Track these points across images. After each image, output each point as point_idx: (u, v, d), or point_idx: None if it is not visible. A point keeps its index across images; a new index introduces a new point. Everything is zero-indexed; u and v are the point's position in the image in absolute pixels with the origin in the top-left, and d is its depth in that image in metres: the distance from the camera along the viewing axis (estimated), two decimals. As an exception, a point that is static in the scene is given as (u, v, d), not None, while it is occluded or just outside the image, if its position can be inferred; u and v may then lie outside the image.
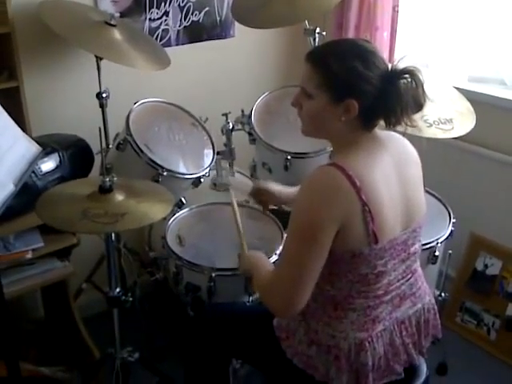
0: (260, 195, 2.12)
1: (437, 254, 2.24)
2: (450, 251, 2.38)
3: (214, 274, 2.04)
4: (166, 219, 2.22)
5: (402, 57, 1.56)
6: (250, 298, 2.08)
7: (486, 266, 2.80)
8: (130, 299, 2.09)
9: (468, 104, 2.45)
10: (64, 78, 2.56)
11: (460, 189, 2.82)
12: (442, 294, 2.48)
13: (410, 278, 1.67)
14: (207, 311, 2.03)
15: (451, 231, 2.31)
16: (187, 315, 2.15)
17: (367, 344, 1.58)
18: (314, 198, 1.48)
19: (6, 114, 1.73)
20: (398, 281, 1.63)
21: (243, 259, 1.88)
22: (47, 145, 2.16)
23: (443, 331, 1.80)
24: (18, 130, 1.77)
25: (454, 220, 2.35)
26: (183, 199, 2.46)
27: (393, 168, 1.57)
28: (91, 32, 2.26)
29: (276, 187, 2.09)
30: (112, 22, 2.30)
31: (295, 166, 2.43)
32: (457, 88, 2.54)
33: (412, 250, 1.64)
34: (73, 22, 2.27)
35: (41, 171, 2.14)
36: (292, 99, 1.62)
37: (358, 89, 1.49)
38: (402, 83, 1.50)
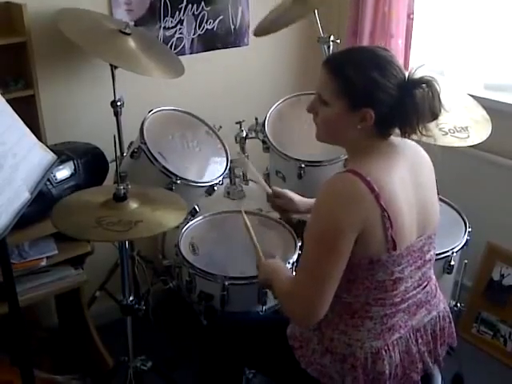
0: (277, 200, 2.10)
1: (452, 263, 2.21)
2: (466, 261, 2.35)
3: (227, 283, 2.03)
4: (179, 227, 2.22)
5: (419, 66, 1.56)
6: (263, 308, 2.07)
7: (502, 276, 2.76)
8: (144, 307, 2.09)
9: (484, 112, 2.43)
10: (79, 87, 2.57)
11: (476, 198, 2.80)
12: (458, 305, 2.45)
13: (426, 285, 1.66)
14: (220, 320, 2.02)
15: (467, 240, 2.28)
16: (200, 324, 2.14)
17: (384, 352, 1.57)
18: (332, 205, 1.47)
19: (21, 122, 1.74)
20: (415, 288, 1.62)
21: (261, 268, 1.87)
22: (62, 153, 2.17)
23: (459, 342, 1.78)
24: (34, 138, 1.78)
25: (470, 229, 2.32)
26: (197, 207, 2.46)
27: (408, 173, 1.57)
28: (106, 41, 2.28)
29: (294, 194, 2.08)
30: (127, 31, 2.32)
31: (309, 175, 2.42)
32: (472, 96, 2.52)
33: (427, 256, 1.63)
34: (88, 31, 2.29)
35: (56, 179, 2.15)
36: (308, 105, 1.61)
37: (375, 98, 1.49)
38: (418, 93, 1.49)
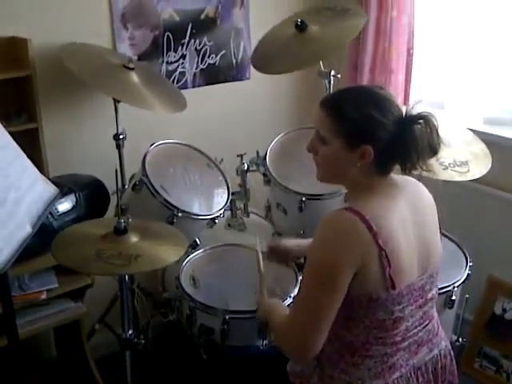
0: (277, 256, 2.09)
1: (453, 298, 2.20)
2: (467, 295, 2.34)
3: (227, 317, 2.02)
4: (180, 260, 2.22)
5: (416, 102, 1.57)
6: (264, 342, 2.06)
7: (504, 310, 2.75)
8: (143, 341, 2.08)
9: (483, 146, 2.45)
10: (82, 120, 2.60)
11: (476, 231, 2.79)
12: (460, 339, 2.43)
13: (428, 324, 1.65)
14: (220, 354, 2.01)
15: (468, 275, 2.27)
16: (200, 358, 2.12)
17: (384, 391, 1.55)
18: (330, 243, 1.47)
19: (24, 155, 1.76)
20: (416, 327, 1.60)
21: (261, 305, 1.85)
22: (64, 185, 2.18)
23: (461, 377, 1.76)
24: (36, 171, 1.79)
25: (471, 263, 2.32)
26: (198, 240, 2.46)
27: (409, 212, 1.56)
28: (109, 75, 2.31)
29: (292, 242, 2.07)
30: (130, 66, 2.35)
31: (310, 208, 2.42)
32: (472, 130, 2.54)
33: (429, 295, 1.62)
34: (92, 66, 2.32)
35: (57, 211, 2.16)
36: (307, 145, 1.62)
37: (373, 136, 1.49)
38: (416, 128, 1.50)
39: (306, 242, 2.02)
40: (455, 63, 2.86)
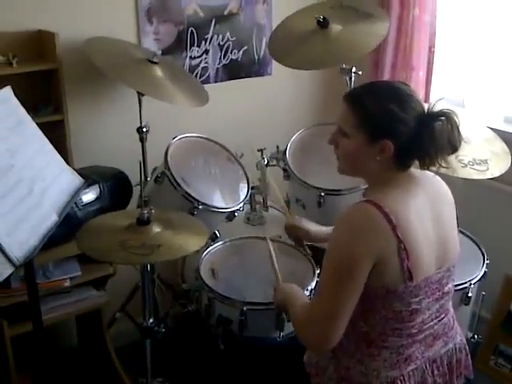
0: (294, 231, 2.14)
1: (470, 295, 2.21)
2: (484, 293, 2.35)
3: (245, 308, 2.05)
4: (199, 252, 2.26)
5: (438, 99, 1.59)
6: (281, 334, 2.09)
7: (521, 309, 2.74)
8: (163, 330, 2.12)
9: (503, 145, 2.45)
10: (106, 113, 2.65)
11: (494, 230, 2.79)
12: (475, 336, 2.44)
13: (444, 317, 1.67)
14: (238, 345, 2.04)
15: (485, 272, 2.28)
16: (218, 348, 2.16)
17: (399, 382, 1.57)
18: (350, 235, 1.50)
19: (51, 146, 1.80)
20: (432, 320, 1.62)
21: (277, 291, 1.88)
22: (88, 177, 2.22)
23: (477, 374, 1.78)
24: (62, 162, 1.84)
25: (488, 261, 2.33)
26: (217, 232, 2.50)
27: (428, 206, 1.58)
28: (134, 69, 2.35)
29: (310, 225, 2.11)
30: (154, 60, 2.39)
31: (329, 203, 2.44)
32: (492, 129, 2.54)
33: (446, 289, 1.64)
34: (117, 59, 2.36)
35: (81, 202, 2.20)
36: (329, 137, 1.65)
37: (393, 130, 1.52)
38: (437, 125, 1.52)
39: (324, 229, 2.06)
40: (476, 62, 2.85)
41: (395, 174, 1.58)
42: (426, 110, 1.55)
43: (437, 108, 1.55)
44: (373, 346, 1.58)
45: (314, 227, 2.12)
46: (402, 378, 1.58)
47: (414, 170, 1.62)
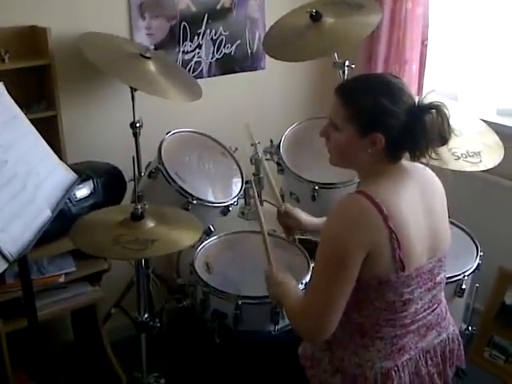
0: (287, 219, 2.13)
1: (464, 287, 2.22)
2: (477, 285, 2.36)
3: (240, 302, 2.06)
4: (194, 246, 2.26)
5: (428, 92, 1.59)
6: (276, 327, 2.09)
7: (514, 301, 2.76)
8: (158, 325, 2.12)
9: (496, 137, 2.45)
10: (99, 108, 2.64)
11: (488, 222, 2.81)
12: (470, 328, 2.45)
13: (436, 308, 1.68)
14: (233, 339, 2.05)
15: (478, 264, 2.29)
16: (213, 342, 2.16)
17: (393, 373, 1.58)
18: (342, 226, 1.51)
19: (44, 142, 1.80)
20: (425, 310, 1.64)
21: (270, 280, 1.85)
22: (82, 172, 2.22)
23: (470, 366, 1.79)
24: (56, 157, 1.84)
25: (482, 253, 2.34)
26: (212, 227, 2.50)
27: (419, 198, 1.60)
28: (127, 64, 2.35)
29: (303, 214, 2.11)
30: (147, 55, 2.38)
31: (323, 197, 2.45)
32: (485, 121, 2.55)
33: (438, 279, 1.65)
34: (109, 55, 2.36)
35: (75, 197, 2.20)
36: (320, 130, 1.66)
37: (384, 124, 1.52)
38: (427, 118, 1.52)
39: (316, 220, 2.06)
40: (469, 54, 2.86)
41: (386, 166, 1.59)
42: (416, 103, 1.55)
43: (427, 100, 1.56)
44: (367, 337, 1.60)
45: (306, 217, 2.12)
46: (396, 368, 1.59)
47: (405, 162, 1.63)
